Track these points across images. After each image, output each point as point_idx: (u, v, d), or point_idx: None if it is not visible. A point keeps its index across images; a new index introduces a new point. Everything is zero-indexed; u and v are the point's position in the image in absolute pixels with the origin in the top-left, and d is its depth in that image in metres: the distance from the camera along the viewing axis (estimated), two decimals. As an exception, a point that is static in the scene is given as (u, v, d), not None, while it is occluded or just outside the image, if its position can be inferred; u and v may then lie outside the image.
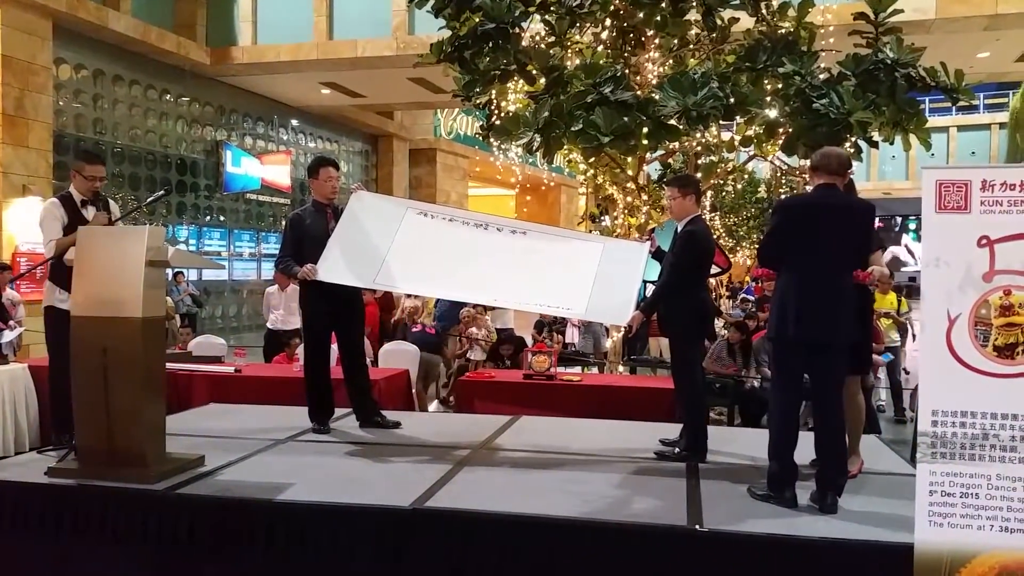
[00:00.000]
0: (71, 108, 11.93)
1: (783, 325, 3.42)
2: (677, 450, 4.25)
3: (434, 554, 3.26)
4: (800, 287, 3.41)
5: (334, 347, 5.05)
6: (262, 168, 15.76)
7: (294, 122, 16.96)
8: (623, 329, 8.09)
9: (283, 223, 16.54)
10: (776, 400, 3.57)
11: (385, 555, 3.28)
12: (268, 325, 8.58)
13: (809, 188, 3.94)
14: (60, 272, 4.24)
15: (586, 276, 4.39)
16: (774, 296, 3.57)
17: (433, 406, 8.22)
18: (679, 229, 4.29)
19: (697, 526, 3.15)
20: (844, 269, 3.50)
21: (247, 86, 15.02)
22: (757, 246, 20.67)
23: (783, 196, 18.45)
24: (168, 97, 13.74)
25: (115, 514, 3.52)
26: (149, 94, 13.33)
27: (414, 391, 7.07)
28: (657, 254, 4.48)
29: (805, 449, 4.08)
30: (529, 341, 9.25)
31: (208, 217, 14.97)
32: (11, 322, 7.71)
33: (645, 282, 4.84)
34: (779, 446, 3.47)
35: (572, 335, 10.50)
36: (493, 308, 8.81)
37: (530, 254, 4.58)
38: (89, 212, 4.50)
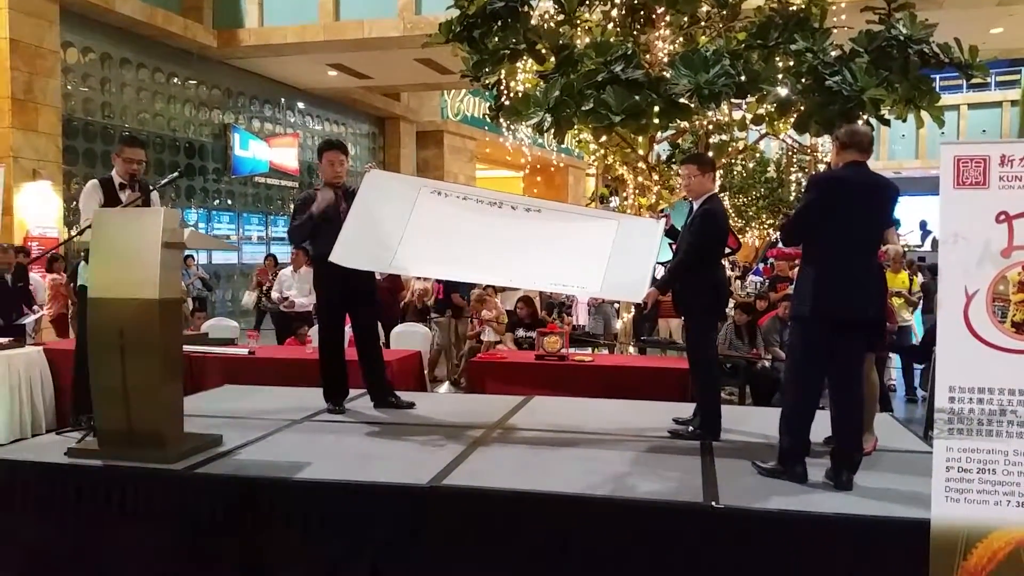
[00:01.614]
0: (79, 92, 11.93)
1: (817, 301, 3.39)
2: (691, 428, 4.26)
3: (451, 531, 3.29)
4: (835, 264, 3.39)
5: (348, 328, 5.07)
6: (270, 151, 15.74)
7: (301, 105, 16.93)
8: (633, 310, 8.12)
9: (291, 206, 16.60)
10: (800, 375, 3.54)
11: (403, 532, 3.31)
12: (282, 308, 8.61)
13: (830, 166, 3.92)
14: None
15: (601, 253, 4.38)
16: (803, 273, 3.53)
17: (444, 388, 8.26)
18: (695, 207, 4.28)
19: (713, 503, 3.17)
20: (875, 247, 3.54)
21: (254, 68, 14.99)
22: (772, 225, 20.57)
23: (796, 175, 18.37)
24: (175, 80, 13.72)
25: (135, 493, 3.56)
26: (156, 77, 13.31)
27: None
28: (671, 233, 4.47)
29: (819, 427, 4.10)
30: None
31: (217, 200, 14.99)
32: (35, 306, 7.77)
33: (658, 263, 4.83)
34: (796, 421, 3.48)
35: (581, 316, 10.51)
36: (503, 289, 8.82)
37: (545, 232, 4.56)
38: (126, 195, 4.54)
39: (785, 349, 3.67)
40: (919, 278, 8.82)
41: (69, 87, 11.68)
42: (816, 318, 3.40)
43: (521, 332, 8.06)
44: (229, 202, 15.32)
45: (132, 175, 4.64)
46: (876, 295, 3.50)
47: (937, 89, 6.91)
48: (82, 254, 4.58)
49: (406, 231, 4.53)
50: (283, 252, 15.09)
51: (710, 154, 7.92)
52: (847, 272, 3.38)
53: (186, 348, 5.59)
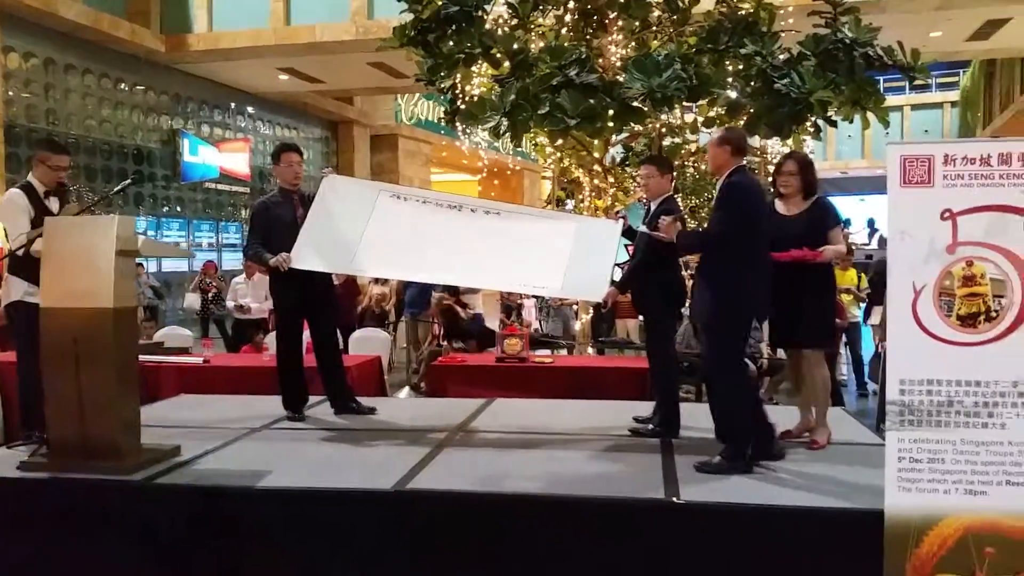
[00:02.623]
0: (21, 98, 11.61)
1: (751, 301, 3.68)
2: (651, 426, 4.33)
3: (418, 534, 3.29)
4: (759, 266, 3.69)
5: (306, 334, 5.03)
6: (220, 156, 15.48)
7: (251, 109, 16.69)
8: (592, 311, 8.19)
9: (243, 212, 16.36)
10: (736, 371, 3.77)
11: (368, 538, 3.31)
12: (235, 315, 8.50)
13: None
14: (26, 266, 4.11)
15: (561, 254, 4.43)
16: (724, 278, 3.67)
17: (404, 392, 8.23)
18: (654, 207, 4.35)
19: (675, 498, 3.22)
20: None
21: (203, 73, 14.73)
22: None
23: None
24: (122, 86, 13.42)
25: (92, 506, 3.50)
26: (103, 83, 13.01)
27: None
28: (627, 233, 4.53)
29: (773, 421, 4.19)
30: (496, 325, 9.29)
31: (166, 207, 14.69)
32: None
33: (616, 264, 4.90)
34: (742, 415, 3.67)
35: (529, 316, 10.53)
36: (464, 292, 8.83)
37: (504, 234, 4.60)
38: (52, 203, 4.39)
39: (710, 350, 3.77)
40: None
41: (11, 93, 11.35)
42: (747, 317, 3.73)
43: (459, 344, 8.09)
44: (179, 209, 15.03)
45: (60, 183, 4.47)
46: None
47: (882, 91, 7.12)
48: (9, 267, 4.39)
49: (365, 233, 4.53)
50: (234, 258, 14.90)
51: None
52: (765, 273, 3.70)
53: (140, 358, 5.48)
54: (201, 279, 10.64)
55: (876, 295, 8.90)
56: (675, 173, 9.48)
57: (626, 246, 4.66)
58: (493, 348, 7.95)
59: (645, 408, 4.58)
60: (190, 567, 3.42)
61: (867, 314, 9.12)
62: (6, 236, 4.40)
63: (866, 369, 8.71)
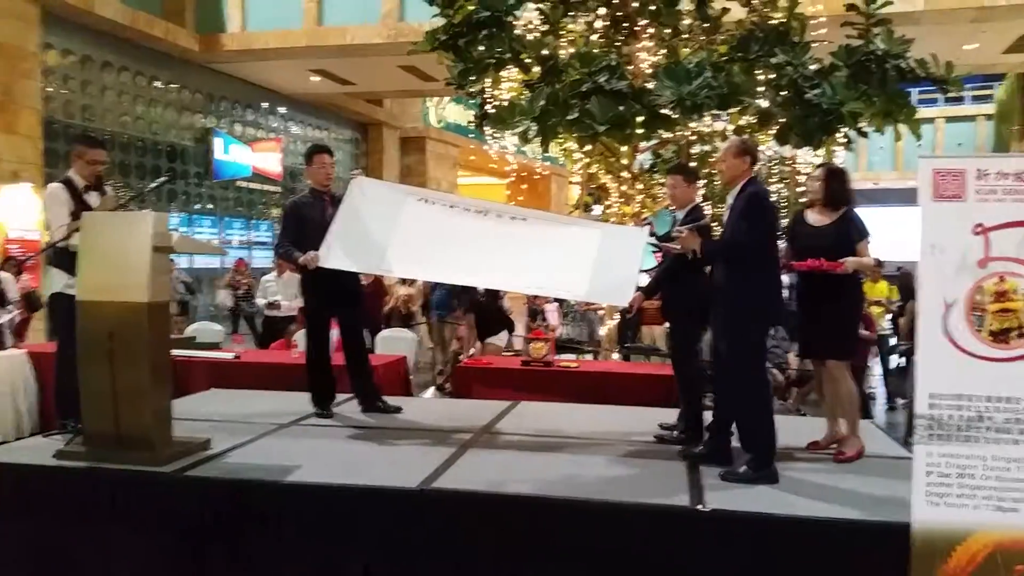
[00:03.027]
0: (60, 94, 11.84)
1: (772, 307, 3.87)
2: (676, 433, 4.33)
3: (441, 533, 3.32)
4: (774, 273, 3.89)
5: (334, 332, 5.10)
6: (252, 156, 15.67)
7: (283, 110, 16.88)
8: (617, 316, 8.19)
9: (273, 211, 16.53)
10: (760, 378, 3.88)
11: (393, 534, 3.35)
12: (266, 312, 8.60)
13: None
14: (66, 258, 4.22)
15: (587, 258, 4.44)
16: (744, 286, 3.71)
17: (429, 393, 8.29)
18: (680, 218, 4.36)
19: (699, 506, 3.23)
20: None
21: (236, 73, 14.92)
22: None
23: (777, 186, 18.52)
24: (157, 84, 13.63)
25: (124, 496, 3.56)
26: (138, 81, 13.23)
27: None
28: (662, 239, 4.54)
29: (803, 433, 4.19)
30: (522, 329, 9.32)
31: (198, 205, 14.89)
32: (9, 306, 7.69)
33: (642, 271, 4.91)
34: (767, 423, 3.70)
35: (551, 320, 10.53)
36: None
37: (531, 238, 4.63)
38: (92, 197, 4.48)
39: (731, 355, 3.77)
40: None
41: (49, 89, 11.57)
42: (768, 324, 3.93)
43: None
44: (211, 206, 15.23)
45: (98, 177, 4.56)
46: None
47: (915, 103, 7.07)
48: (50, 260, 4.48)
49: (393, 234, 4.59)
50: (264, 256, 15.05)
51: (692, 164, 8.03)
52: (779, 280, 3.95)
53: (172, 352, 5.58)
54: (232, 276, 10.79)
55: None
56: (704, 181, 9.43)
57: (653, 252, 4.67)
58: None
59: (669, 415, 4.59)
60: (217, 558, 3.48)
61: (895, 327, 9.05)
62: (47, 229, 4.50)
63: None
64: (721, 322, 3.81)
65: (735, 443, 3.82)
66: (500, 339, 8.21)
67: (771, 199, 3.96)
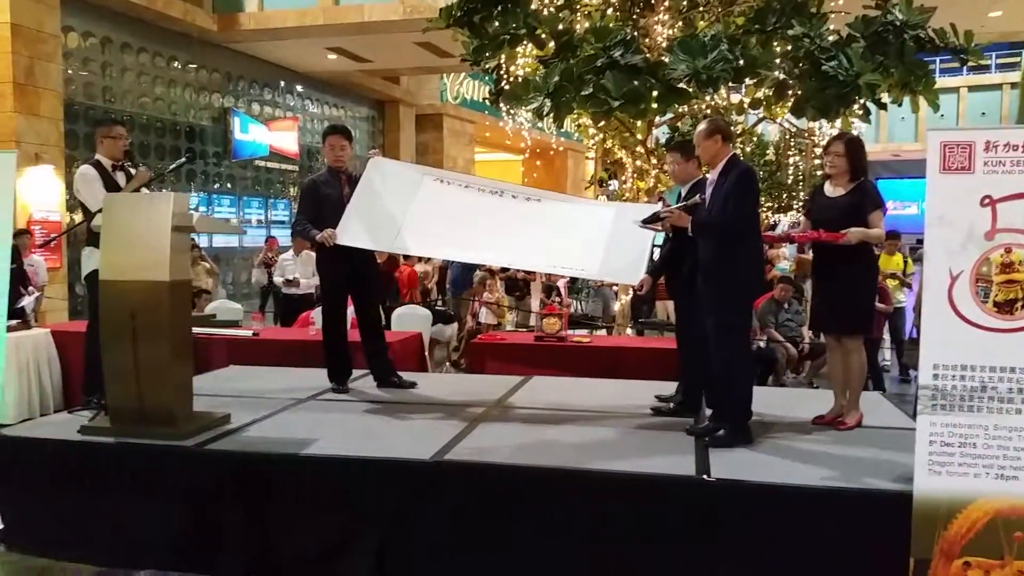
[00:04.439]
0: (80, 76, 11.96)
1: (759, 277, 4.21)
2: (671, 405, 4.45)
3: (455, 505, 3.41)
4: (758, 246, 4.07)
5: (350, 310, 5.18)
6: (270, 135, 15.77)
7: (300, 88, 16.93)
8: (631, 292, 8.22)
9: (291, 190, 16.64)
10: (745, 345, 4.05)
11: (408, 506, 3.44)
12: (284, 290, 8.71)
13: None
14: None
15: (599, 238, 4.49)
16: (733, 255, 3.81)
17: (444, 368, 8.37)
18: (683, 193, 4.39)
19: (705, 476, 3.29)
20: None
21: (254, 52, 14.99)
22: (771, 208, 20.61)
23: (794, 158, 18.37)
24: (175, 64, 13.73)
25: (148, 469, 3.68)
26: (156, 61, 13.33)
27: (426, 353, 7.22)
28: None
29: (813, 406, 4.23)
30: (536, 304, 9.38)
31: (217, 184, 15.03)
32: (30, 287, 7.85)
33: (655, 245, 4.95)
34: (747, 388, 3.89)
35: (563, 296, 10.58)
36: (507, 272, 8.92)
37: (544, 218, 4.68)
38: (119, 177, 4.59)
39: (719, 326, 3.83)
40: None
41: (70, 71, 11.70)
42: (753, 295, 4.15)
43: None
44: (229, 185, 15.37)
45: (126, 153, 4.68)
46: None
47: (937, 72, 6.99)
48: (86, 241, 4.60)
49: (409, 213, 4.65)
50: (282, 235, 15.16)
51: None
52: (762, 253, 4.15)
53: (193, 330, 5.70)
54: (265, 254, 10.96)
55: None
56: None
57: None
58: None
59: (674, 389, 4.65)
60: (236, 529, 3.59)
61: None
62: (84, 211, 4.60)
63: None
64: (708, 295, 3.87)
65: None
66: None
67: (755, 175, 4.08)
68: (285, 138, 16.19)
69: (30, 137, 10.58)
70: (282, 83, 16.45)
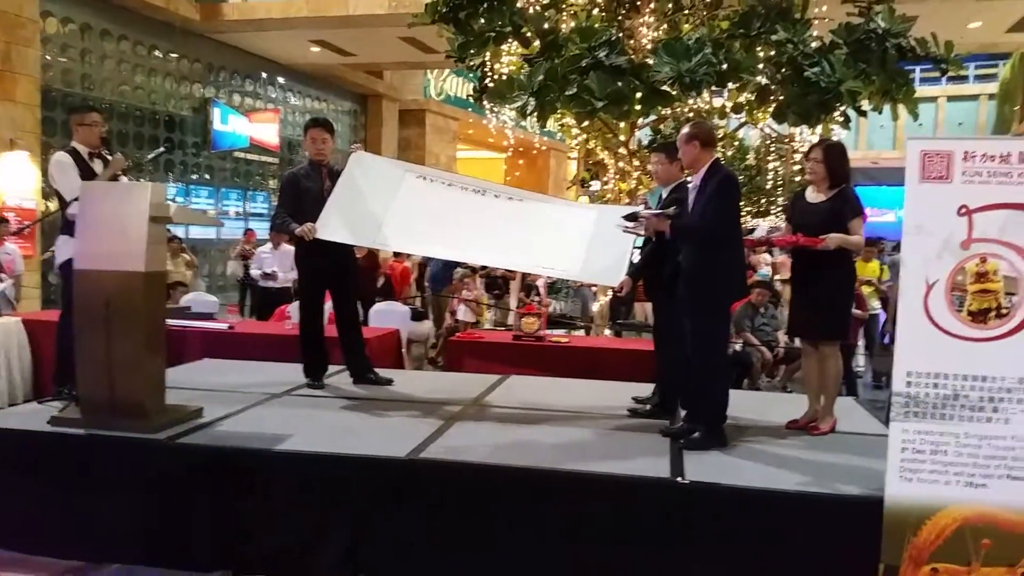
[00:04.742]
0: (58, 63, 11.79)
1: (739, 284, 4.15)
2: (648, 407, 4.46)
3: (429, 503, 3.39)
4: (740, 253, 4.06)
5: (328, 305, 5.14)
6: (250, 126, 15.63)
7: (282, 80, 16.80)
8: (610, 292, 8.23)
9: (271, 182, 16.51)
10: (721, 351, 4.06)
11: (381, 503, 3.41)
12: (261, 283, 8.64)
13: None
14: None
15: (581, 239, 4.49)
16: (712, 260, 3.81)
17: (421, 366, 8.35)
18: (664, 195, 4.40)
19: (679, 478, 3.30)
20: None
21: (236, 43, 14.84)
22: (750, 213, 20.73)
23: (774, 163, 18.49)
24: (156, 53, 13.57)
25: (118, 462, 3.63)
26: (137, 50, 13.16)
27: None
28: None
29: (787, 410, 4.26)
30: (514, 303, 9.38)
31: (195, 175, 14.88)
32: (2, 275, 7.74)
33: (635, 248, 4.95)
34: (722, 392, 3.91)
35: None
36: (487, 269, 8.92)
37: (526, 217, 4.68)
38: (96, 164, 4.53)
39: (696, 330, 3.85)
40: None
41: (48, 57, 11.53)
42: (731, 299, 4.13)
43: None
44: (208, 176, 15.22)
45: (103, 140, 4.63)
46: None
47: (916, 81, 7.08)
48: (61, 229, 4.53)
49: (391, 209, 4.63)
50: (261, 228, 15.04)
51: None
52: (743, 258, 4.15)
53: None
54: (242, 246, 10.87)
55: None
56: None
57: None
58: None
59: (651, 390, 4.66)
60: (207, 525, 3.55)
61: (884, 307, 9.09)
62: (59, 199, 4.53)
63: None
64: (687, 299, 3.88)
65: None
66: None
67: (737, 181, 4.11)
68: (266, 130, 16.06)
69: (5, 123, 10.41)
70: (264, 75, 16.31)
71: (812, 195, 4.08)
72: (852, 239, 3.88)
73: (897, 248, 13.07)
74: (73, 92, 11.97)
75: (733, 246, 3.93)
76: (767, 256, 11.79)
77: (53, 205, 8.95)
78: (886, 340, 8.70)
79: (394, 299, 9.46)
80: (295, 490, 3.49)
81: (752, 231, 18.27)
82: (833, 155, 4.02)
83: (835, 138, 7.74)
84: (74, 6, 11.89)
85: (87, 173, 4.45)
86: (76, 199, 4.07)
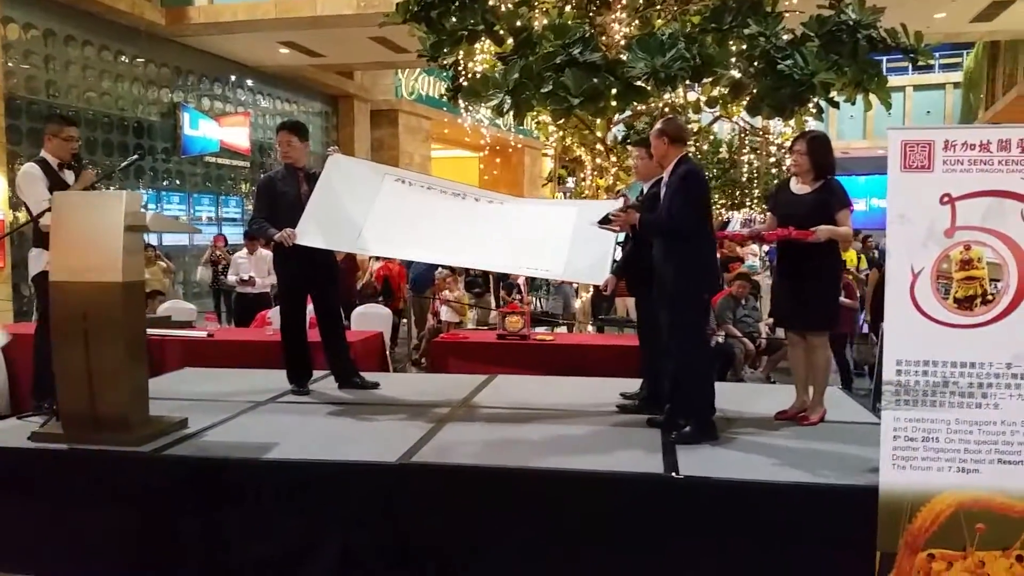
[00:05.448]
0: (21, 70, 11.57)
1: (712, 278, 4.24)
2: (636, 402, 4.46)
3: (421, 507, 3.36)
4: (711, 247, 4.14)
5: (309, 308, 5.08)
6: (220, 130, 15.46)
7: (251, 83, 16.63)
8: (592, 289, 8.25)
9: (243, 186, 16.34)
10: (702, 345, 4.14)
11: (373, 510, 3.38)
12: (238, 289, 8.54)
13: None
14: (49, 238, 4.14)
15: (563, 237, 4.48)
16: (683, 257, 3.85)
17: (406, 368, 8.30)
18: (645, 190, 4.40)
19: (673, 473, 3.29)
20: None
21: (203, 46, 14.67)
22: (724, 205, 20.90)
23: (748, 156, 18.65)
24: (123, 58, 13.37)
25: (102, 476, 3.56)
26: (103, 55, 12.96)
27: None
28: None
29: (774, 401, 4.28)
30: (493, 301, 9.36)
31: (166, 181, 14.70)
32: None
33: (617, 244, 4.95)
34: (709, 387, 3.93)
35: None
36: (468, 269, 8.89)
37: (507, 219, 4.66)
38: (67, 176, 4.43)
39: (674, 324, 3.87)
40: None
41: (10, 64, 11.31)
42: (707, 291, 4.19)
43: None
44: (179, 182, 15.04)
45: (74, 155, 4.54)
46: None
47: (884, 71, 7.13)
48: (34, 241, 4.44)
49: (371, 213, 4.58)
50: (234, 233, 14.88)
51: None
52: (714, 253, 4.20)
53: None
54: (212, 252, 10.72)
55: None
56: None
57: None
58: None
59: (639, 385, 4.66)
60: (195, 537, 3.49)
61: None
62: (28, 211, 4.43)
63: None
64: (662, 293, 3.91)
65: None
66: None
67: (704, 175, 4.12)
68: (236, 134, 15.90)
69: (-32, 132, 10.21)
70: (233, 78, 16.14)
71: (797, 186, 4.09)
72: (840, 230, 3.91)
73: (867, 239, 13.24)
74: (38, 100, 11.76)
75: (699, 239, 3.92)
76: (755, 247, 11.88)
77: (22, 216, 8.78)
78: (864, 329, 8.81)
79: (395, 300, 9.40)
80: (285, 499, 3.44)
81: (726, 224, 18.44)
82: (817, 147, 4.03)
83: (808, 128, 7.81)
84: (37, 12, 11.67)
85: (58, 184, 4.34)
86: (48, 210, 3.99)
